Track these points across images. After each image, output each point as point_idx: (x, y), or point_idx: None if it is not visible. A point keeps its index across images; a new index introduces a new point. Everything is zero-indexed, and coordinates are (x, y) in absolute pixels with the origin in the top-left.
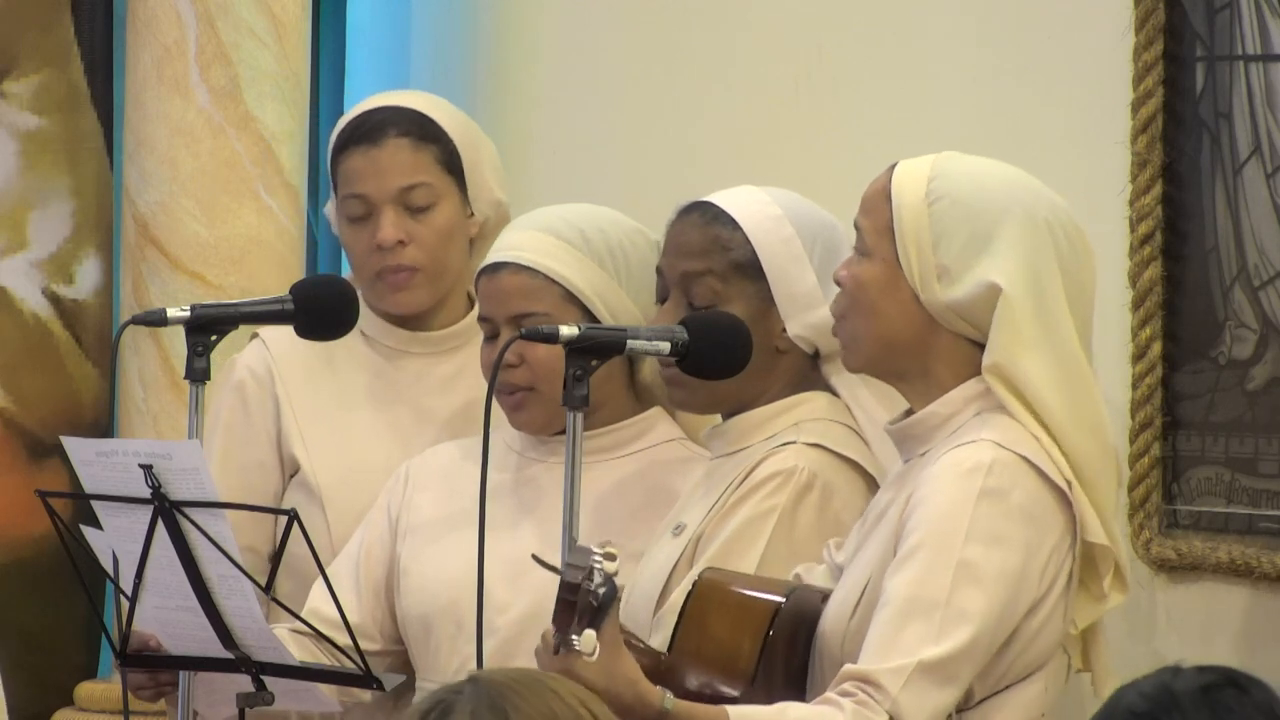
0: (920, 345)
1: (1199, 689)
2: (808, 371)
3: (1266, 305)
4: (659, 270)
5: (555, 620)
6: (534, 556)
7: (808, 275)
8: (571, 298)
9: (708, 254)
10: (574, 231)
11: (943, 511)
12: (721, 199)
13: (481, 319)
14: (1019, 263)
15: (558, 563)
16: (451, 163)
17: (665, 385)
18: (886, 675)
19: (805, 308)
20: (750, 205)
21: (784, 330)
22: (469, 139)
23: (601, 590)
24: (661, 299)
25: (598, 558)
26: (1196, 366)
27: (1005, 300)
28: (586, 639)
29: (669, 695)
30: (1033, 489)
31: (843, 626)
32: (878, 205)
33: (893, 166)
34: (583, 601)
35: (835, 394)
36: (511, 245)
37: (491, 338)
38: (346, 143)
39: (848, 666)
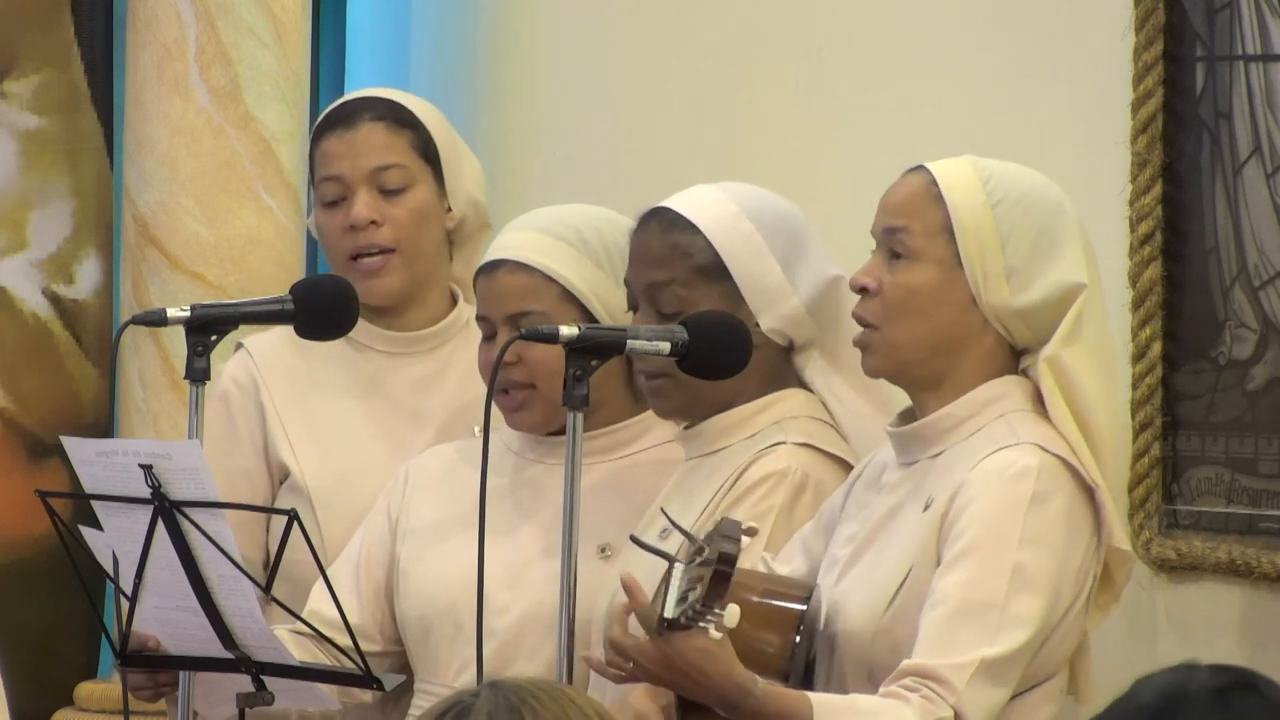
0: (961, 347)
1: (1213, 690)
2: (781, 365)
3: (1266, 305)
4: (626, 281)
5: (707, 593)
6: (633, 538)
7: (773, 269)
8: (569, 296)
9: (669, 262)
10: (570, 231)
11: (995, 514)
12: (677, 203)
13: (479, 318)
14: (1085, 261)
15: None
16: (427, 150)
17: (648, 398)
18: (951, 671)
19: (775, 301)
20: (707, 206)
21: (756, 325)
22: (448, 137)
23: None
24: (632, 308)
25: (745, 533)
26: (1196, 366)
27: (1088, 297)
28: (731, 613)
29: (760, 680)
30: (1071, 493)
31: (872, 625)
32: (924, 207)
33: (918, 168)
34: (725, 575)
35: (806, 385)
36: (508, 245)
37: (489, 337)
38: (322, 129)
39: (906, 662)
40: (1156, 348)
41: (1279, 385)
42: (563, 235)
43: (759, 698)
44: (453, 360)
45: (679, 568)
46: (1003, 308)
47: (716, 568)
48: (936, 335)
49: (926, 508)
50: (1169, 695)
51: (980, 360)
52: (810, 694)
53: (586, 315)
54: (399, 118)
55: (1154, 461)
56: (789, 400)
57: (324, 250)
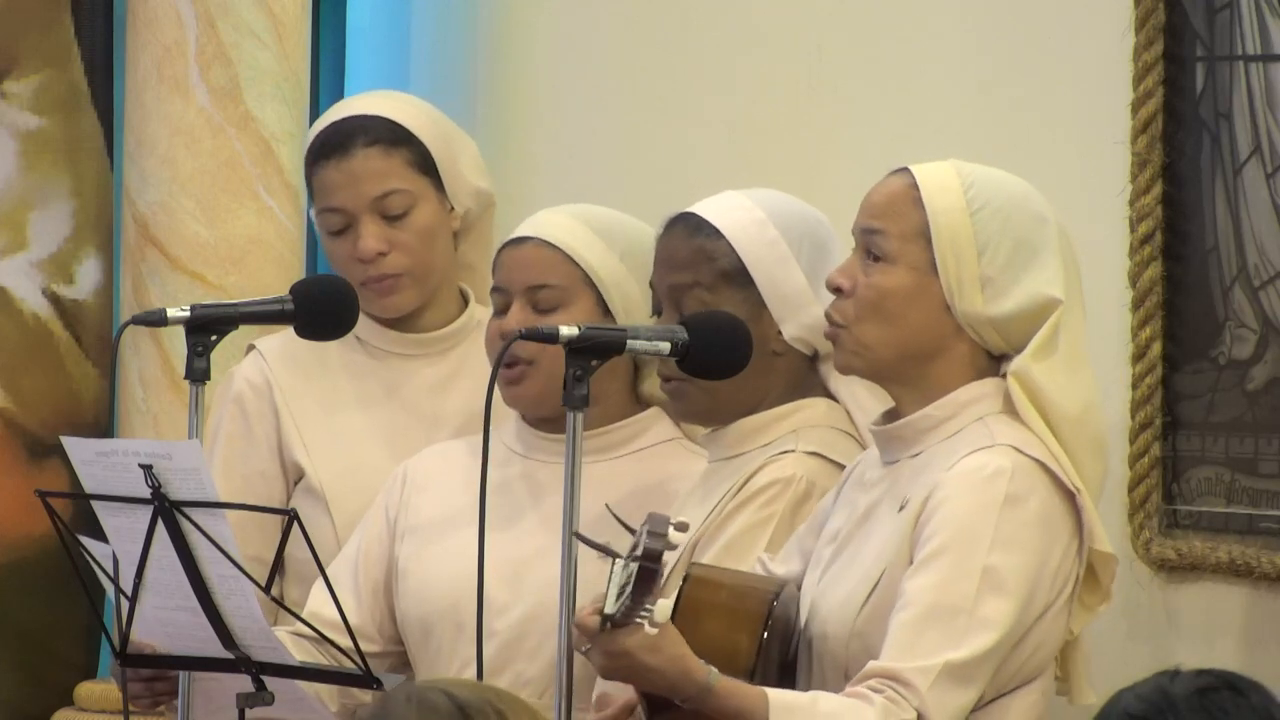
0: (934, 352)
1: (1195, 692)
2: (806, 373)
3: (1266, 305)
4: (651, 285)
5: (635, 590)
6: (576, 534)
7: (796, 275)
8: (589, 282)
9: (694, 266)
10: (601, 224)
11: (966, 517)
12: (703, 208)
13: (494, 289)
14: (1064, 275)
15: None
16: (424, 163)
17: (669, 400)
18: (915, 673)
19: (798, 308)
20: (732, 212)
21: (779, 333)
22: (440, 135)
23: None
24: (656, 313)
25: (674, 528)
26: (1196, 366)
27: (1065, 311)
28: (662, 609)
29: (713, 670)
30: (1047, 495)
31: (847, 627)
32: (903, 210)
33: (901, 170)
34: (651, 572)
35: (832, 395)
36: (539, 223)
37: (502, 310)
38: (318, 156)
39: (872, 664)
40: (1156, 348)
41: (1279, 385)
42: (594, 225)
43: (714, 690)
44: (466, 362)
45: (619, 564)
46: (976, 316)
47: (642, 564)
48: (907, 340)
49: (902, 508)
50: (1153, 701)
51: (957, 364)
52: (769, 690)
53: (602, 305)
54: (393, 137)
55: (1154, 461)
56: (811, 409)
57: (335, 271)
